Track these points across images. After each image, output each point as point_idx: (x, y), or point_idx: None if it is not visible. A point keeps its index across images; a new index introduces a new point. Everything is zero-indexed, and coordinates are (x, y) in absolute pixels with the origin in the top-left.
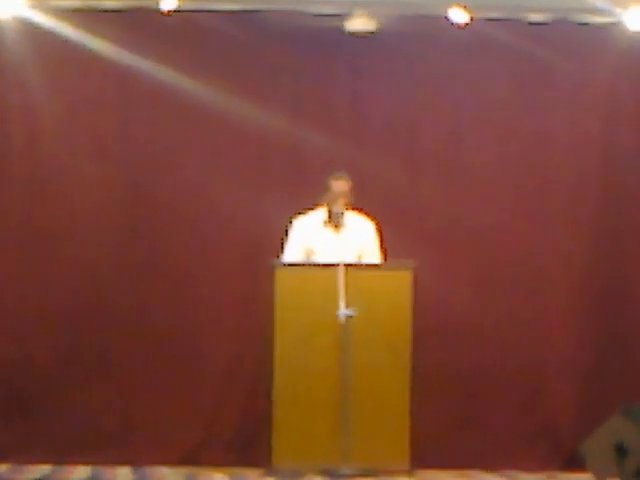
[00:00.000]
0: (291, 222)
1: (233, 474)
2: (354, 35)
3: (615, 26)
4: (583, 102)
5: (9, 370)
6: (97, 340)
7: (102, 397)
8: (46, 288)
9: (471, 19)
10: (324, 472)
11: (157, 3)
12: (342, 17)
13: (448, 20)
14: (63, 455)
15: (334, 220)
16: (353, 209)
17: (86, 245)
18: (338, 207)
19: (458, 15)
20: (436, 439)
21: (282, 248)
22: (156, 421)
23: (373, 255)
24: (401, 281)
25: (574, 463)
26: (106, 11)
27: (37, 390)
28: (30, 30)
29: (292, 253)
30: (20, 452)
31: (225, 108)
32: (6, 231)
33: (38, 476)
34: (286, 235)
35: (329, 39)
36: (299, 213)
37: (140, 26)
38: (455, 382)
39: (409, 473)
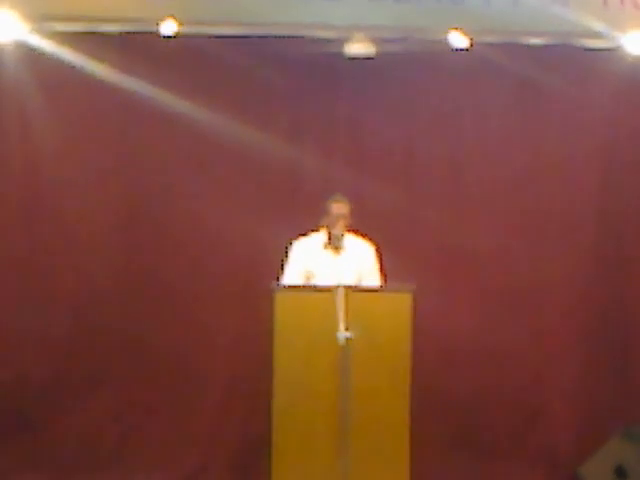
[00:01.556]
0: (290, 245)
1: None
2: (353, 59)
3: (614, 50)
4: (582, 126)
5: (6, 391)
6: (94, 362)
7: (99, 419)
8: (43, 310)
9: (471, 43)
10: None
11: (157, 28)
12: (341, 42)
13: (448, 44)
14: (60, 476)
15: (334, 243)
16: (353, 232)
17: (84, 267)
18: (338, 230)
19: (458, 39)
20: (436, 461)
21: (281, 271)
22: (154, 444)
23: (373, 278)
24: (401, 304)
25: None
26: (106, 35)
27: (34, 411)
28: (30, 54)
29: (291, 276)
30: (17, 473)
31: (224, 132)
32: (4, 252)
33: None
34: (285, 258)
35: (328, 64)
36: (298, 236)
37: (140, 50)
38: (454, 404)
39: None
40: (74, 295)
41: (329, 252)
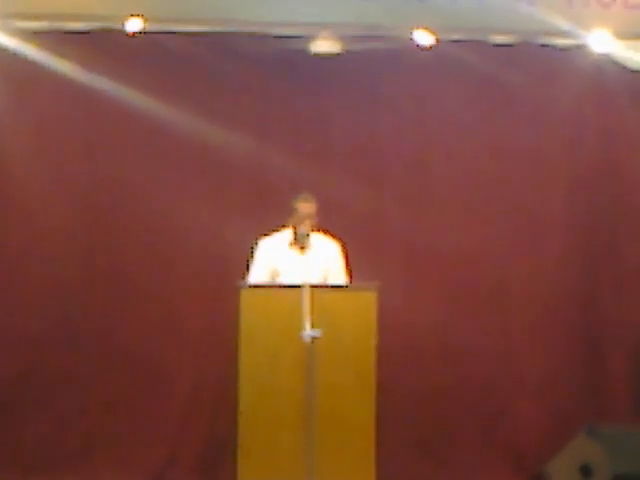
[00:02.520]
0: (256, 243)
1: None
2: (319, 57)
3: (579, 48)
4: (547, 124)
5: None
6: (60, 359)
7: (64, 417)
8: (7, 307)
9: (436, 41)
10: None
11: (122, 25)
12: (307, 39)
13: (413, 42)
14: (25, 474)
15: (300, 241)
16: (318, 230)
17: (50, 265)
18: (304, 228)
19: (423, 37)
20: (401, 459)
21: (247, 269)
22: (119, 441)
23: (338, 276)
24: (366, 302)
25: None
26: (71, 32)
27: (1, 408)
28: None
29: (257, 274)
30: None
31: (189, 130)
32: None
33: None
34: (251, 256)
35: (294, 61)
36: (264, 234)
37: (105, 48)
38: (420, 402)
39: None
40: (40, 292)
41: (295, 251)
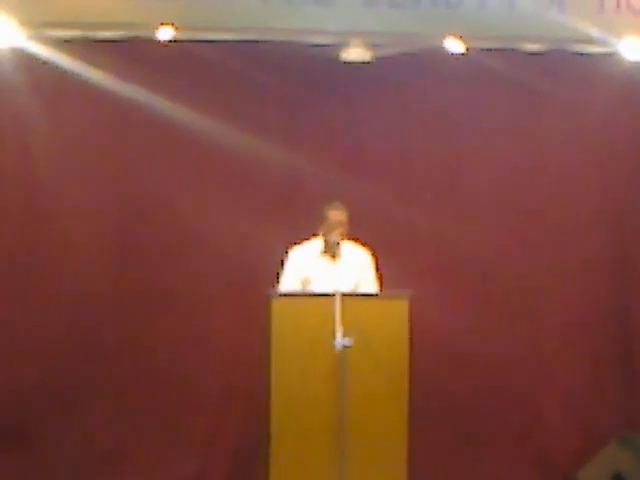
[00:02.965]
0: (287, 252)
1: None
2: (350, 65)
3: (611, 56)
4: (578, 132)
5: (3, 401)
6: (88, 371)
7: (92, 428)
8: (38, 319)
9: (467, 49)
10: None
11: (153, 33)
12: (338, 47)
13: (444, 50)
14: None
15: (331, 250)
16: (349, 239)
17: (79, 276)
18: (335, 237)
19: (454, 45)
20: (433, 468)
21: (278, 278)
22: (150, 453)
23: (369, 284)
24: (398, 310)
25: None
26: (103, 41)
27: (31, 420)
28: (27, 60)
29: (288, 283)
30: None
31: (220, 138)
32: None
33: None
34: (282, 265)
35: (325, 69)
36: (295, 243)
37: (136, 56)
38: (452, 411)
39: None
40: (71, 302)
41: (326, 259)
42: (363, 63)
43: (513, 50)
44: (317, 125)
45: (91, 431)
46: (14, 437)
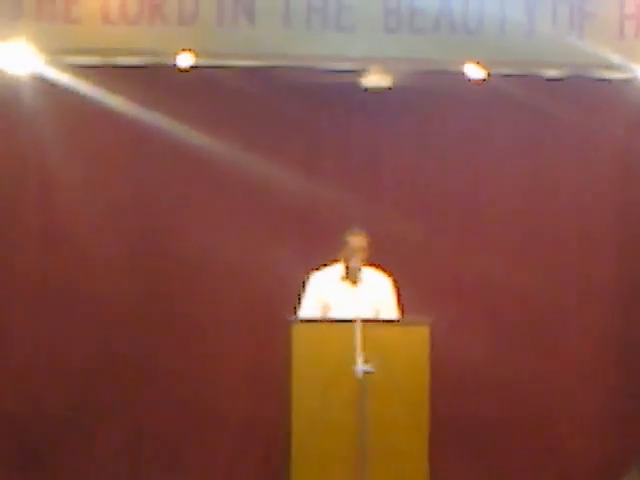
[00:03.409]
0: (307, 277)
1: None
2: (370, 91)
3: (630, 81)
4: (599, 157)
5: (22, 424)
6: (109, 397)
7: (113, 454)
8: (58, 342)
9: (487, 75)
10: None
11: (174, 59)
12: (358, 73)
13: (464, 76)
14: None
15: (351, 275)
16: (370, 265)
17: (99, 299)
18: (355, 262)
19: (473, 71)
20: None
21: (298, 303)
22: (168, 475)
23: (390, 310)
24: (418, 336)
25: None
26: (122, 67)
27: (50, 443)
28: (46, 87)
29: (309, 308)
30: None
31: (240, 164)
32: (20, 286)
33: None
34: (302, 290)
35: (345, 95)
36: (315, 269)
37: (156, 82)
38: (473, 437)
39: None
40: (88, 324)
41: (346, 285)
42: (383, 89)
43: (532, 76)
44: (336, 151)
45: (108, 458)
46: (32, 461)
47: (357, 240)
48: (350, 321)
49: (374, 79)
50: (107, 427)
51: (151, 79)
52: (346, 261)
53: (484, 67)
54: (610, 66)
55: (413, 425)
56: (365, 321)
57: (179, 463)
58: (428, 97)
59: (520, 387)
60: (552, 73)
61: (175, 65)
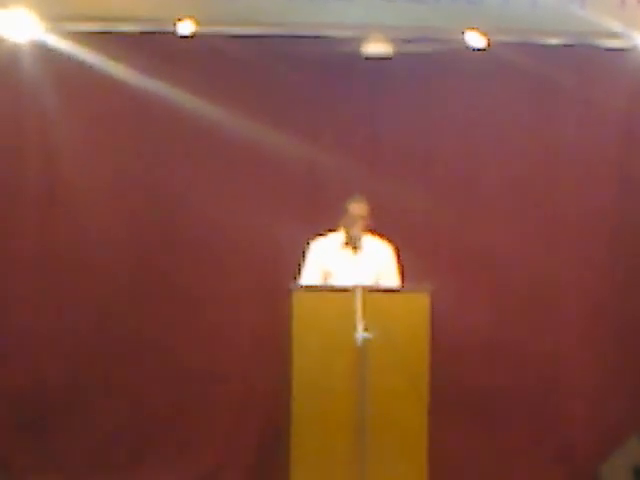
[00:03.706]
0: (308, 245)
1: None
2: (371, 59)
3: (632, 50)
4: (598, 125)
5: (23, 394)
6: (111, 364)
7: (116, 421)
8: (60, 313)
9: (488, 43)
10: None
11: (174, 27)
12: (359, 41)
13: (465, 44)
14: (77, 477)
15: (352, 243)
16: (371, 232)
17: (101, 269)
18: (356, 230)
19: (475, 39)
20: (454, 461)
21: (299, 271)
22: (171, 445)
23: (391, 278)
24: (418, 304)
25: None
26: (123, 35)
27: (51, 413)
28: (47, 54)
29: (309, 276)
30: (34, 474)
31: (241, 132)
32: (20, 255)
33: None
34: (303, 258)
35: (345, 63)
36: (316, 236)
37: (157, 50)
38: (472, 405)
39: None
40: (90, 296)
41: (347, 252)
42: (384, 57)
43: (534, 44)
44: (338, 119)
45: (110, 428)
46: (33, 431)
47: (358, 208)
48: (351, 288)
49: (375, 47)
50: (107, 398)
51: (152, 46)
52: (347, 229)
53: (485, 35)
54: (611, 35)
55: (412, 392)
56: (365, 289)
57: (180, 432)
58: (429, 65)
59: (520, 357)
60: (554, 41)
61: (176, 32)
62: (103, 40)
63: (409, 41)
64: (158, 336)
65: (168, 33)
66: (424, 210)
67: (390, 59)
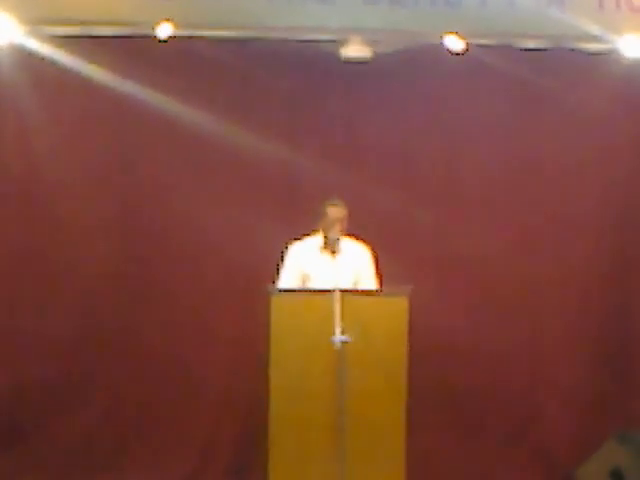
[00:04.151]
0: (286, 248)
1: None
2: (349, 62)
3: (610, 53)
4: (578, 129)
5: (1, 397)
6: (90, 366)
7: (95, 423)
8: (38, 315)
9: (466, 46)
10: None
11: (153, 30)
12: (337, 44)
13: (443, 47)
14: (57, 477)
15: (330, 246)
16: (349, 235)
17: (79, 271)
18: (334, 233)
19: (453, 42)
20: (432, 463)
21: (277, 274)
22: (150, 447)
23: (369, 281)
24: (397, 307)
25: None
26: (102, 38)
27: (30, 416)
28: (26, 57)
29: (288, 279)
30: (16, 476)
31: (219, 135)
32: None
33: None
34: (281, 261)
35: (324, 66)
36: (294, 239)
37: (135, 53)
38: (450, 407)
39: None
40: (70, 297)
41: (325, 255)
42: (363, 60)
43: (513, 47)
44: (316, 122)
45: (89, 428)
46: (11, 433)
47: (335, 211)
48: (329, 291)
49: (354, 50)
50: (85, 398)
51: (131, 50)
52: (325, 232)
53: (464, 38)
54: (590, 38)
55: (391, 395)
56: (344, 291)
57: (160, 430)
58: (407, 68)
59: (499, 357)
60: (532, 44)
61: (155, 35)
62: (82, 43)
63: (388, 44)
64: (137, 335)
65: (147, 36)
66: (403, 212)
67: (369, 62)
